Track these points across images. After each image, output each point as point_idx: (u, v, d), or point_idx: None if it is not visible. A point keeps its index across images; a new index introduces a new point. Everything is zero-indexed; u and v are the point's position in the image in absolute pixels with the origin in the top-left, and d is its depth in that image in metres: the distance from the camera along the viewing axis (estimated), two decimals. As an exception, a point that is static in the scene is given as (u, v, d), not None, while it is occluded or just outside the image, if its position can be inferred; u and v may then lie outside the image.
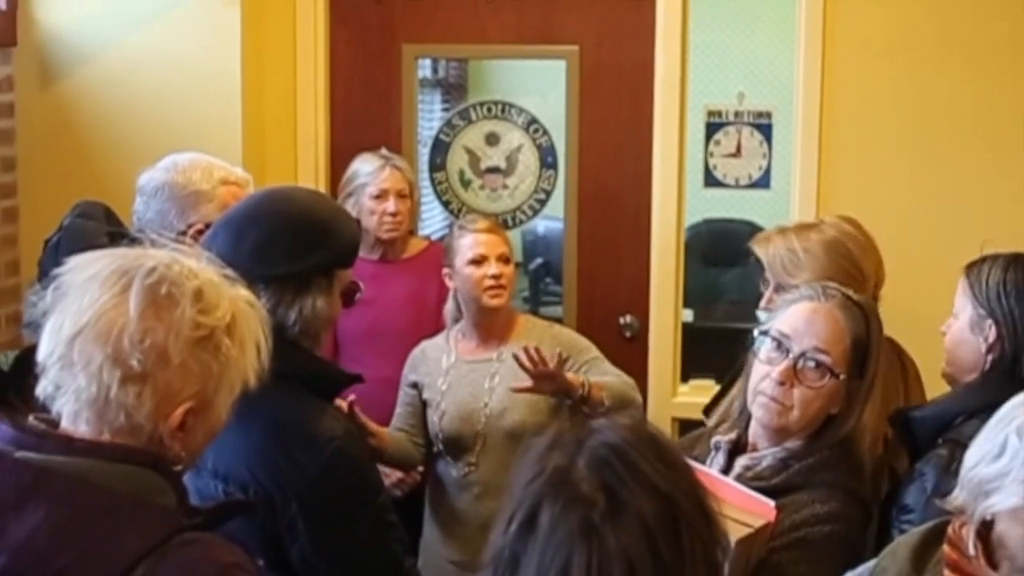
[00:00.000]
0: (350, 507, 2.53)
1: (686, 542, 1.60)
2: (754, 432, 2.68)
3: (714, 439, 2.75)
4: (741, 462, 2.65)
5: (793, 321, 2.62)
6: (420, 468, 4.09)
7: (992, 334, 2.92)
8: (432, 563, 3.89)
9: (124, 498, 1.81)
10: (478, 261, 3.85)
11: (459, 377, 3.91)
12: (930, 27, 4.69)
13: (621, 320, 4.98)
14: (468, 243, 3.89)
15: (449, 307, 4.06)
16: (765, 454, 2.62)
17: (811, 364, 2.56)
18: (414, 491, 4.09)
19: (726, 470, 2.64)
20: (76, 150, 4.72)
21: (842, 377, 2.58)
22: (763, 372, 2.60)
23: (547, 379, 3.67)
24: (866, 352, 2.63)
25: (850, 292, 2.74)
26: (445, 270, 3.99)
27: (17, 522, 1.76)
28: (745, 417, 2.71)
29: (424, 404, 3.95)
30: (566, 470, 1.60)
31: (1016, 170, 4.65)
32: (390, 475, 3.90)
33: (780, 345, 2.59)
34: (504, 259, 3.89)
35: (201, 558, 1.82)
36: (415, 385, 3.98)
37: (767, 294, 3.43)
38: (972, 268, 3.04)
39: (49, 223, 4.02)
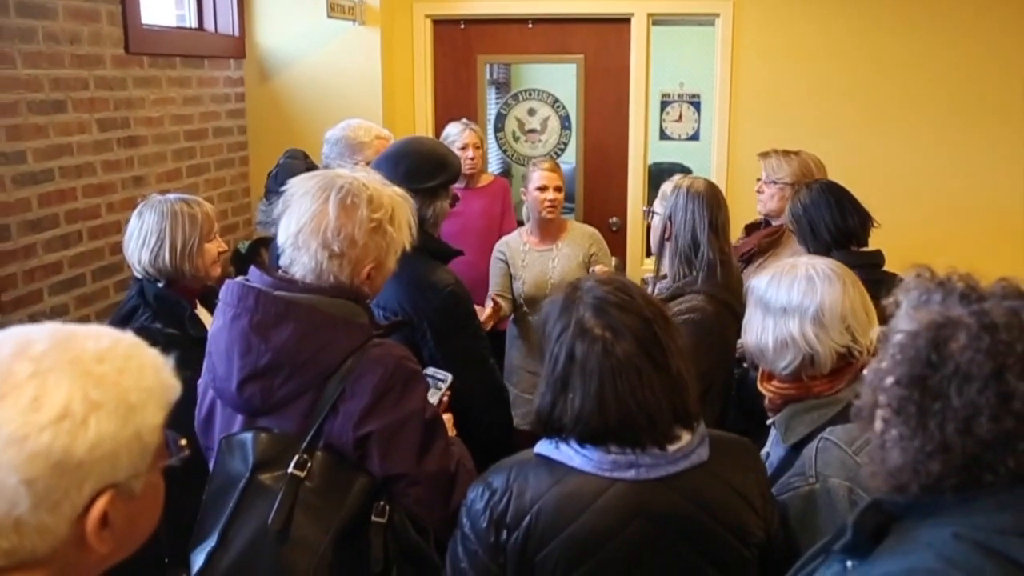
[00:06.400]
0: (458, 325, 2.48)
1: (664, 341, 1.58)
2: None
3: (644, 276, 2.84)
4: (659, 286, 2.72)
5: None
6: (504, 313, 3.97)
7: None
8: (516, 368, 3.82)
9: (338, 318, 1.79)
10: (540, 188, 3.74)
11: (532, 260, 3.79)
12: (808, 40, 4.59)
13: (610, 220, 4.90)
14: (536, 176, 3.77)
15: (525, 213, 3.94)
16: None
17: None
18: (494, 329, 3.97)
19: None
20: (281, 121, 4.62)
21: None
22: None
23: None
24: None
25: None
26: (522, 190, 3.88)
27: (276, 333, 1.76)
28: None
29: (511, 276, 3.84)
30: (581, 321, 1.57)
31: (876, 140, 4.62)
32: (481, 317, 3.80)
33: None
34: (557, 188, 3.75)
35: (386, 353, 1.80)
36: (505, 261, 3.84)
37: (759, 185, 3.51)
38: None
39: (266, 163, 4.03)
